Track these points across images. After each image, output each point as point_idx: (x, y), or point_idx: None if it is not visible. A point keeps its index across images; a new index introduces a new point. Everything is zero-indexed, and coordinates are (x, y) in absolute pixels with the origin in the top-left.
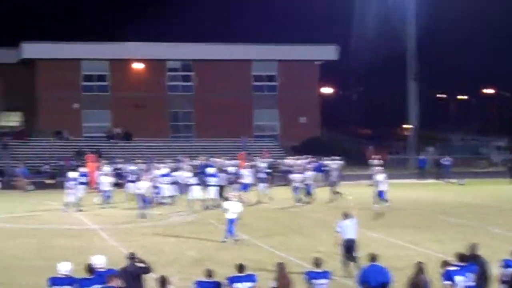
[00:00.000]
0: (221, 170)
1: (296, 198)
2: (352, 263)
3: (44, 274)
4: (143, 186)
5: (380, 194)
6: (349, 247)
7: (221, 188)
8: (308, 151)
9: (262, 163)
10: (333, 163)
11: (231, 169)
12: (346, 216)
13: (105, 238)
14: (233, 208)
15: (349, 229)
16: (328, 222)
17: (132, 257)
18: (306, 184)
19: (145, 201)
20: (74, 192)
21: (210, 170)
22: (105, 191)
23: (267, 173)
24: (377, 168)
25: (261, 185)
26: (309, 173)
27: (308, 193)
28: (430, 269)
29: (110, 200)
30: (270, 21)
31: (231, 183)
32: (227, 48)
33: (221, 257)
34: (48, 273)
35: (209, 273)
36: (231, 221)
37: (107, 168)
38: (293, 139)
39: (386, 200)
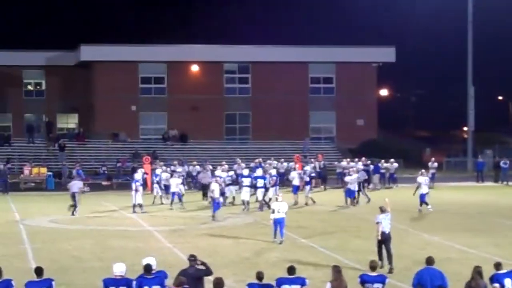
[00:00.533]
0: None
1: (349, 200)
2: (385, 256)
3: (101, 275)
4: (214, 188)
5: (422, 196)
6: (383, 240)
7: (266, 189)
8: (365, 153)
9: (306, 166)
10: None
11: (273, 172)
12: (382, 210)
13: (160, 239)
14: (279, 208)
15: (384, 223)
16: None
17: (193, 259)
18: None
19: (216, 204)
20: (138, 193)
21: (258, 172)
22: (173, 193)
23: (312, 177)
24: (425, 170)
25: (306, 187)
26: (356, 176)
27: (353, 196)
28: (487, 273)
29: (181, 201)
30: (327, 23)
31: (274, 185)
32: (284, 50)
33: (277, 259)
34: (105, 274)
35: (260, 276)
36: (277, 221)
37: (161, 172)
38: (350, 141)
39: (421, 204)
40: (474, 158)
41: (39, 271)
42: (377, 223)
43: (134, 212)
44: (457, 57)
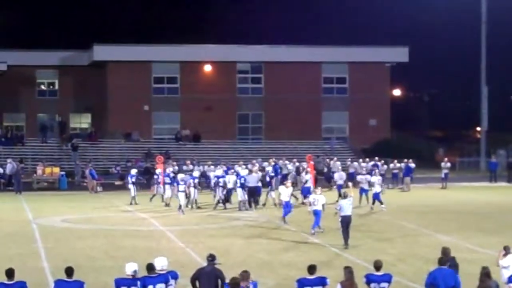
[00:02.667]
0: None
1: (364, 198)
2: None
3: (113, 274)
4: (282, 192)
5: (375, 196)
6: (345, 222)
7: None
8: (378, 153)
9: (268, 167)
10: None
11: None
12: (344, 196)
13: (173, 239)
14: (317, 200)
15: (346, 207)
16: (400, 226)
17: (211, 259)
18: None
19: (288, 207)
20: (182, 194)
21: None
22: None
23: (272, 177)
24: (376, 171)
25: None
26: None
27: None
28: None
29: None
30: (340, 23)
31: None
32: (297, 50)
33: (290, 259)
34: (117, 274)
35: (243, 277)
36: (317, 213)
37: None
38: (363, 141)
39: (374, 202)
40: (488, 158)
41: (70, 271)
42: (338, 210)
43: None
44: (470, 57)
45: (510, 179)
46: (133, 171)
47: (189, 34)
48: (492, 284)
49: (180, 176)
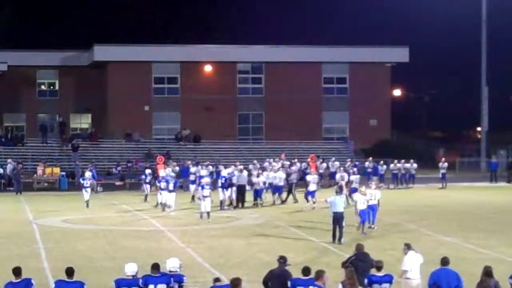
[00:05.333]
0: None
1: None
2: (338, 234)
3: (113, 275)
4: (357, 200)
5: (309, 194)
6: (336, 219)
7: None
8: (378, 154)
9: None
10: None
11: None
12: (336, 192)
13: (173, 239)
14: (373, 195)
15: (338, 203)
16: (400, 226)
17: (282, 261)
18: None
19: (363, 215)
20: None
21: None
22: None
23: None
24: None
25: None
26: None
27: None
28: (501, 273)
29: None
30: (341, 23)
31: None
32: (298, 50)
33: (290, 260)
34: (117, 274)
35: (218, 280)
36: (369, 207)
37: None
38: (363, 141)
39: (314, 202)
40: (488, 158)
41: (70, 271)
42: (329, 202)
43: (203, 218)
44: (470, 57)
45: (510, 179)
46: (87, 174)
47: (189, 34)
48: (491, 283)
49: (205, 180)
